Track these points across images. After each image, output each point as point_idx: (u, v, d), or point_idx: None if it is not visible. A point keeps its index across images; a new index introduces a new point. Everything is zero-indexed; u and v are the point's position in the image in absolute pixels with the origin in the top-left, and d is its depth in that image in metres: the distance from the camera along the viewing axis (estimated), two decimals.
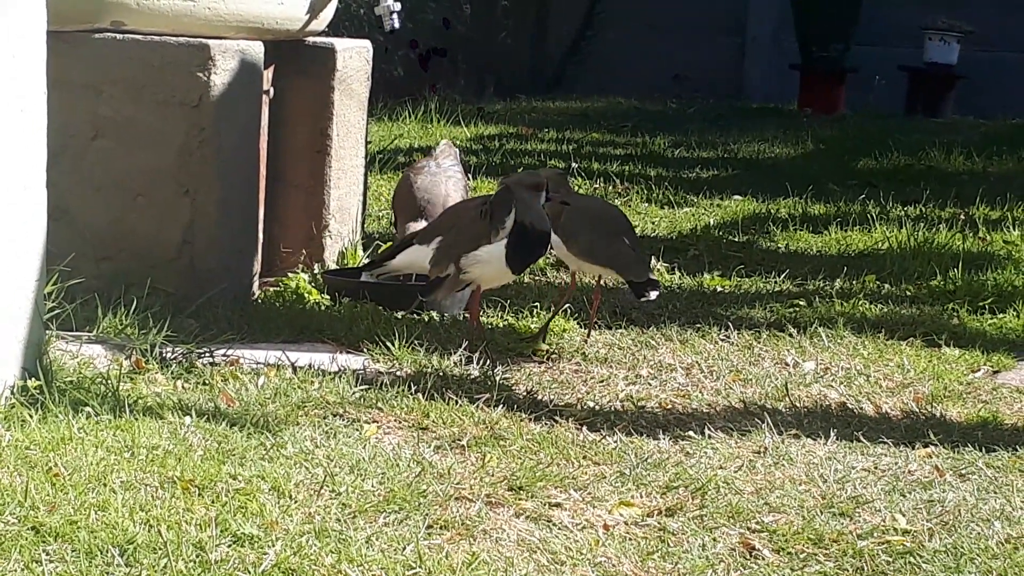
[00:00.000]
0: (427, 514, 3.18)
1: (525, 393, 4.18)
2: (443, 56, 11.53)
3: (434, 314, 4.81)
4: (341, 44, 5.46)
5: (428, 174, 5.16)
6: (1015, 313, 5.17)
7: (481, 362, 4.30)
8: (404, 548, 2.98)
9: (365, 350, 4.50)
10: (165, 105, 4.70)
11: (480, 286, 4.52)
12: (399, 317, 4.76)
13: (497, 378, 4.24)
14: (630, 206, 7.02)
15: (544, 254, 4.46)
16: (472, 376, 4.24)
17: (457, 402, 3.99)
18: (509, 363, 4.43)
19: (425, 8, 11.55)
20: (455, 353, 4.37)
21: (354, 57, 5.49)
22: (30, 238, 3.78)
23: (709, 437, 3.84)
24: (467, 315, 4.70)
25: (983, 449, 3.80)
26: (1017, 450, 3.81)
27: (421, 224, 4.90)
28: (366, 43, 5.64)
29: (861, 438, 3.87)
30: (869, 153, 8.80)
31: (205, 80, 4.68)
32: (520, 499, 3.34)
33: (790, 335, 4.80)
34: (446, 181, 5.14)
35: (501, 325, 4.78)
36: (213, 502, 3.13)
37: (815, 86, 11.75)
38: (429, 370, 4.28)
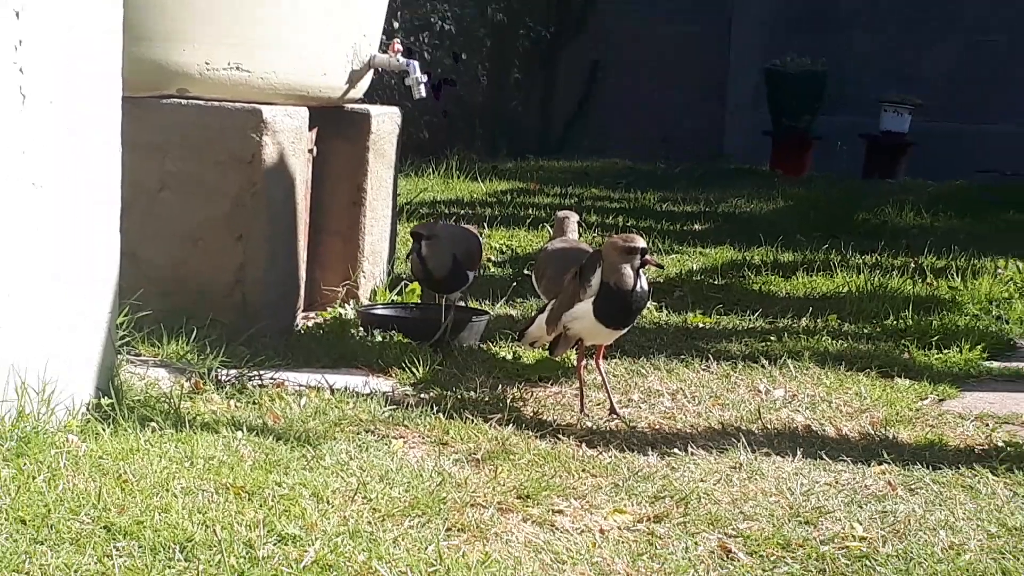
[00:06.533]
0: (446, 518, 3.18)
1: (532, 414, 4.18)
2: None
3: (453, 344, 4.83)
4: (375, 110, 5.49)
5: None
6: (958, 349, 5.17)
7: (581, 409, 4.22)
8: (426, 548, 2.99)
9: (393, 375, 4.52)
10: (222, 162, 4.72)
11: (583, 341, 4.28)
12: (424, 347, 4.77)
13: (508, 400, 4.25)
14: None
15: (636, 310, 4.18)
16: (486, 399, 4.25)
17: (473, 421, 4.00)
18: (518, 387, 4.44)
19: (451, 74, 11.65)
20: (472, 378, 4.38)
21: (386, 121, 5.52)
22: (105, 277, 3.80)
23: (691, 454, 3.85)
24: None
25: (930, 467, 3.80)
26: (959, 468, 3.81)
27: None
28: (396, 109, 5.68)
29: (824, 456, 3.87)
30: (832, 209, 8.80)
31: (257, 141, 4.71)
32: (527, 506, 3.34)
33: (762, 366, 4.80)
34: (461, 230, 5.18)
35: (508, 356, 4.79)
36: (261, 506, 3.13)
37: (785, 151, 11.79)
38: (449, 393, 4.30)
